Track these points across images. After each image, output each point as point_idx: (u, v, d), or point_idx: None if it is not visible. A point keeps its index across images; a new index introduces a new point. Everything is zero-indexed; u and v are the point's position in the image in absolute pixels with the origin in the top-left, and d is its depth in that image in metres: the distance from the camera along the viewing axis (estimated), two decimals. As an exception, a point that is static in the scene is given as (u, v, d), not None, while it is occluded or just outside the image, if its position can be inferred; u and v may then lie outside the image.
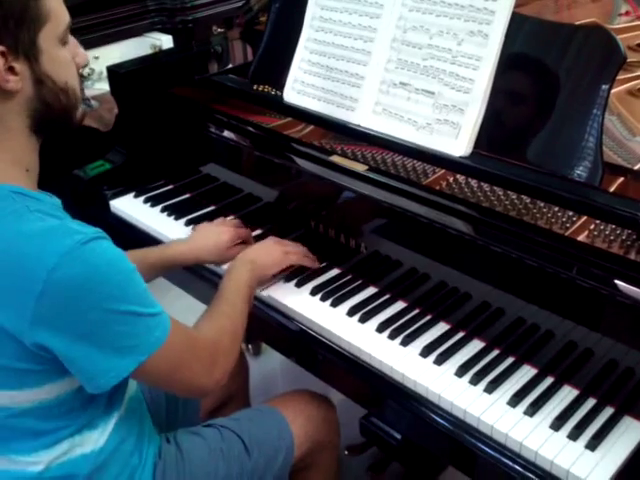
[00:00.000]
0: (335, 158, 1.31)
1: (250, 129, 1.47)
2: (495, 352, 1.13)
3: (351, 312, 1.23)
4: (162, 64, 1.80)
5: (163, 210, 1.59)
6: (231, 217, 1.54)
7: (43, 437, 0.98)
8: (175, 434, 1.19)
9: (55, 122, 0.98)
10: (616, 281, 0.97)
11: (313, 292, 1.29)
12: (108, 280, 0.89)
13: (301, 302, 1.27)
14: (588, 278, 0.99)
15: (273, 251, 1.30)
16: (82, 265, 0.86)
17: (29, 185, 0.96)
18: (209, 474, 1.16)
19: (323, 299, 1.27)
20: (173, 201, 1.62)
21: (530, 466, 0.97)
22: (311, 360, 1.30)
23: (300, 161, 1.36)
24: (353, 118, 1.39)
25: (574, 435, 0.98)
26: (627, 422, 1.00)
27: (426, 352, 1.13)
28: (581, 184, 1.13)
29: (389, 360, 1.13)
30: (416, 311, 1.23)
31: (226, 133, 1.51)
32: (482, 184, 1.19)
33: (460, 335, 1.17)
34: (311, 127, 1.44)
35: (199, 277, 1.42)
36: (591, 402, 1.03)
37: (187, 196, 1.65)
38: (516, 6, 1.21)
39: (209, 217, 1.55)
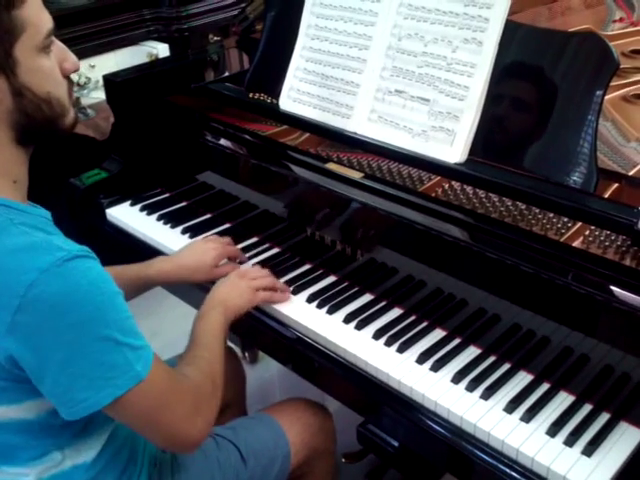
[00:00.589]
0: (331, 166, 1.32)
1: (246, 137, 1.48)
2: (491, 358, 1.13)
3: (347, 319, 1.23)
4: (158, 72, 1.81)
5: (159, 218, 1.59)
6: (227, 225, 1.54)
7: (29, 450, 0.97)
8: None
9: (40, 132, 0.95)
10: (611, 287, 0.98)
11: (309, 299, 1.29)
12: (88, 300, 0.85)
13: (297, 309, 1.27)
14: (583, 284, 0.99)
15: (242, 289, 1.23)
16: (61, 283, 0.84)
17: (17, 197, 0.94)
18: None
19: (319, 306, 1.27)
20: (169, 209, 1.63)
21: (527, 472, 0.97)
22: (308, 368, 1.30)
23: (296, 169, 1.37)
24: (349, 126, 1.39)
25: (570, 441, 0.98)
26: (623, 428, 1.00)
27: (422, 359, 1.13)
28: (576, 190, 1.14)
29: (385, 367, 1.13)
30: (412, 318, 1.23)
31: (222, 141, 1.51)
32: (477, 191, 1.20)
33: (456, 342, 1.17)
34: (307, 135, 1.44)
35: (196, 285, 1.42)
36: (587, 408, 1.03)
37: (183, 204, 1.65)
38: (510, 13, 1.22)
39: (205, 225, 1.55)
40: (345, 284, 1.33)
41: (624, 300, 0.96)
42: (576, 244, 1.04)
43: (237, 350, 1.74)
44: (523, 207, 1.14)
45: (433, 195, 1.20)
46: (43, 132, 0.96)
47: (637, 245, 1.01)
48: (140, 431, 0.97)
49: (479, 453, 1.01)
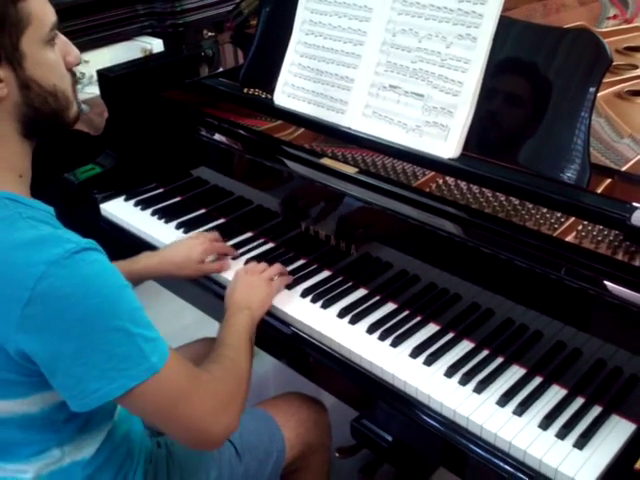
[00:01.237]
0: (325, 161, 1.32)
1: (241, 132, 1.48)
2: (484, 352, 1.14)
3: (342, 314, 1.24)
4: (152, 68, 1.80)
5: (154, 213, 1.59)
6: (221, 220, 1.55)
7: (29, 446, 0.96)
8: (166, 438, 1.18)
9: (46, 125, 0.96)
10: (604, 281, 0.98)
11: (304, 294, 1.29)
12: (97, 292, 0.85)
13: (292, 304, 1.28)
14: (576, 278, 1.00)
15: (257, 285, 1.24)
16: (70, 275, 0.84)
17: (22, 191, 0.94)
18: (200, 479, 1.15)
19: (314, 301, 1.28)
20: (164, 204, 1.62)
21: (519, 465, 0.98)
22: (302, 362, 1.30)
23: (290, 164, 1.37)
24: (343, 121, 1.39)
25: (562, 434, 0.98)
26: (615, 421, 1.01)
27: (416, 353, 1.14)
28: (569, 185, 1.14)
29: (379, 361, 1.13)
30: (406, 312, 1.23)
31: (217, 136, 1.51)
32: (471, 186, 1.20)
33: (450, 336, 1.17)
34: (301, 130, 1.44)
35: (189, 280, 1.42)
36: (579, 401, 1.04)
37: (178, 199, 1.65)
38: (505, 10, 1.22)
39: (200, 220, 1.55)
40: (339, 279, 1.33)
41: (616, 294, 0.97)
42: (569, 239, 1.05)
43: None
44: (517, 202, 1.15)
45: (427, 190, 1.21)
46: (48, 125, 0.96)
47: (629, 240, 1.02)
48: (159, 424, 0.96)
49: (472, 446, 1.02)
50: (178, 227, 1.53)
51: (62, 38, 0.96)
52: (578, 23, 1.72)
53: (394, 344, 1.16)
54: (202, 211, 1.59)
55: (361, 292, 1.29)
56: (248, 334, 1.14)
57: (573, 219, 1.09)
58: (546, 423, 1.00)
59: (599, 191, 1.14)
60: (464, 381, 1.08)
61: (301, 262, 1.39)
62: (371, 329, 1.20)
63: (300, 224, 1.39)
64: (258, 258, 1.40)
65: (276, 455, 1.23)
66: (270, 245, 1.46)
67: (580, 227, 1.07)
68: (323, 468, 1.38)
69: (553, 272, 1.02)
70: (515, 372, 1.10)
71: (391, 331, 1.19)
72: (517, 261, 1.05)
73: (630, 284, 0.96)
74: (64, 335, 0.84)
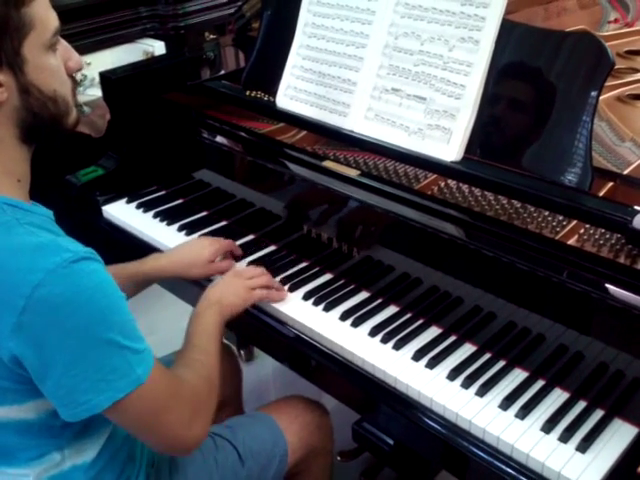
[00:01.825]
0: (328, 163, 1.32)
1: (243, 135, 1.48)
2: (486, 355, 1.14)
3: (344, 316, 1.24)
4: (154, 70, 1.80)
5: (156, 216, 1.59)
6: (223, 222, 1.55)
7: (28, 450, 0.96)
8: None
9: (45, 131, 0.95)
10: (606, 285, 0.98)
11: (306, 297, 1.29)
12: (92, 303, 0.85)
13: (294, 307, 1.28)
14: (578, 282, 1.00)
15: (237, 288, 1.23)
16: (67, 284, 0.84)
17: (21, 196, 0.94)
18: None
19: (316, 304, 1.28)
20: (166, 207, 1.63)
21: (522, 469, 0.97)
22: (304, 365, 1.30)
23: (293, 166, 1.37)
24: (345, 124, 1.40)
25: (565, 437, 0.98)
26: (617, 424, 1.01)
27: (418, 356, 1.14)
28: (571, 189, 1.14)
29: (381, 364, 1.13)
30: (408, 315, 1.23)
31: (219, 139, 1.51)
32: (473, 189, 1.20)
33: (452, 339, 1.17)
34: (304, 133, 1.44)
35: (192, 283, 1.42)
36: (581, 405, 1.04)
37: (180, 202, 1.65)
38: (506, 13, 1.22)
39: (202, 222, 1.55)
40: (341, 282, 1.33)
41: (618, 297, 0.97)
42: (571, 242, 1.05)
43: (233, 348, 1.74)
44: (518, 205, 1.15)
45: (429, 193, 1.21)
46: (47, 130, 0.95)
47: (631, 243, 1.02)
48: (139, 435, 0.97)
49: (475, 450, 1.02)
50: (180, 229, 1.54)
51: (64, 43, 0.96)
52: (579, 27, 1.72)
53: (396, 347, 1.17)
54: (204, 214, 1.59)
55: (363, 295, 1.29)
56: (217, 332, 1.14)
57: (575, 222, 1.09)
58: (549, 426, 1.00)
59: (601, 194, 1.14)
60: (466, 384, 1.08)
61: (303, 265, 1.39)
62: (373, 332, 1.20)
63: (302, 227, 1.39)
64: (259, 261, 1.40)
65: (279, 459, 1.23)
66: (272, 248, 1.46)
67: (582, 230, 1.07)
68: (325, 471, 1.37)
69: (555, 275, 1.02)
70: (517, 375, 1.10)
71: (393, 334, 1.19)
72: (519, 264, 1.06)
73: (632, 287, 0.96)
74: (57, 344, 0.84)
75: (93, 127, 1.98)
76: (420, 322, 1.22)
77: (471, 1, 1.23)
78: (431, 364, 1.12)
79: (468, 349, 1.15)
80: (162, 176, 1.70)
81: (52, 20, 0.92)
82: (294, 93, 1.49)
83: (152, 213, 1.60)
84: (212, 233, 1.50)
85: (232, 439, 1.21)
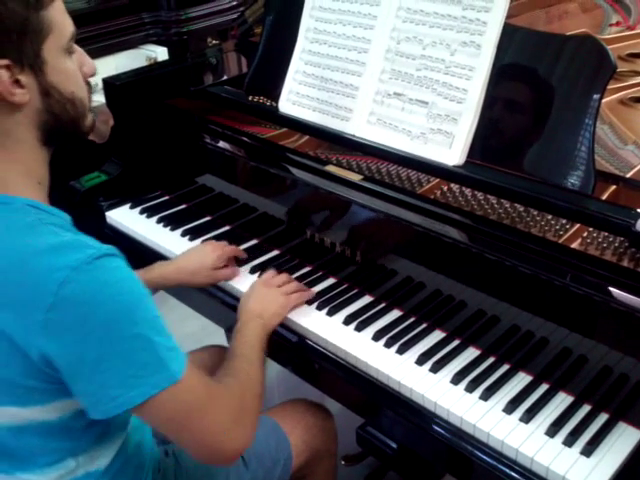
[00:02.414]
0: (330, 168, 1.32)
1: (245, 140, 1.48)
2: (490, 359, 1.14)
3: (347, 321, 1.24)
4: (157, 76, 1.81)
5: (159, 221, 1.60)
6: (226, 227, 1.55)
7: (45, 455, 0.96)
8: (174, 447, 1.18)
9: (64, 132, 0.97)
10: (609, 288, 0.98)
11: (309, 301, 1.29)
12: (117, 298, 0.86)
13: (297, 311, 1.28)
14: (581, 285, 1.00)
15: (275, 298, 1.24)
16: (92, 280, 0.84)
17: (41, 198, 0.95)
18: None
19: (319, 308, 1.28)
20: (169, 212, 1.63)
21: (526, 473, 0.97)
22: (307, 369, 1.30)
23: (295, 171, 1.37)
24: (348, 128, 1.40)
25: (569, 441, 0.98)
26: (622, 428, 1.01)
27: (422, 360, 1.14)
28: (574, 192, 1.14)
29: (385, 368, 1.13)
30: (412, 319, 1.23)
31: (222, 144, 1.52)
32: (476, 193, 1.20)
33: (456, 343, 1.17)
34: (306, 137, 1.45)
35: (197, 289, 1.43)
36: (586, 408, 1.04)
37: (183, 207, 1.65)
38: (508, 17, 1.22)
39: (205, 227, 1.55)
40: (345, 286, 1.33)
41: (622, 301, 0.97)
42: (574, 245, 1.05)
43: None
44: (521, 209, 1.15)
45: (432, 197, 1.21)
46: (66, 132, 0.97)
47: (635, 246, 1.02)
48: (174, 437, 0.95)
49: (479, 454, 1.02)
50: (183, 234, 1.54)
51: (78, 49, 0.98)
52: (581, 30, 1.72)
53: (400, 351, 1.17)
54: (207, 218, 1.60)
55: (367, 299, 1.30)
56: (261, 345, 1.14)
57: (578, 226, 1.09)
58: (553, 430, 1.00)
59: (604, 198, 1.14)
60: (470, 388, 1.08)
61: (306, 269, 1.39)
62: (377, 336, 1.20)
63: (305, 231, 1.39)
64: (263, 266, 1.41)
65: (283, 462, 1.23)
66: (275, 252, 1.46)
67: (585, 234, 1.07)
68: (329, 474, 1.37)
69: (558, 279, 1.02)
70: (521, 379, 1.10)
71: (397, 338, 1.19)
72: (522, 268, 1.05)
73: (636, 291, 0.96)
74: (86, 340, 0.85)
75: (96, 133, 1.99)
76: (424, 326, 1.22)
77: (473, 5, 1.23)
78: (435, 368, 1.12)
79: (472, 353, 1.15)
80: (165, 181, 1.70)
81: (68, 25, 0.94)
82: (296, 98, 1.49)
83: (156, 218, 1.61)
84: (215, 238, 1.50)
85: None
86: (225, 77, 1.83)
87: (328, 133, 1.42)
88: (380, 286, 1.29)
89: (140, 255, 1.48)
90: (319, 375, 1.27)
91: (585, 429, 1.00)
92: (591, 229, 1.08)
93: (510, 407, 1.04)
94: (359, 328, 1.22)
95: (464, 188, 1.22)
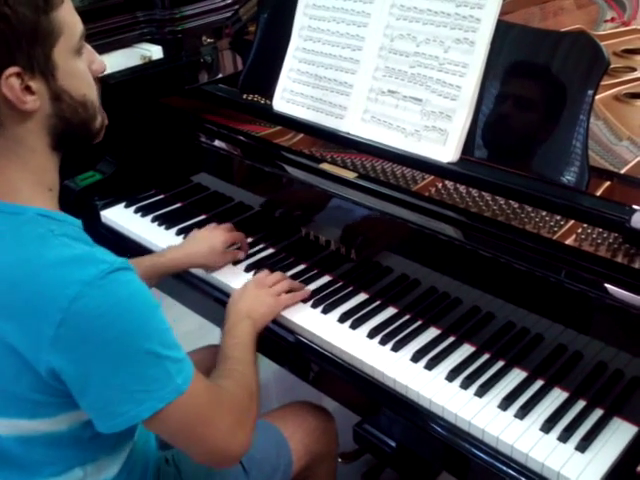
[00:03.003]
0: (325, 166, 1.32)
1: (240, 138, 1.48)
2: (485, 356, 1.14)
3: (342, 319, 1.24)
4: (152, 74, 1.81)
5: (154, 220, 1.59)
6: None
7: (53, 465, 0.95)
8: (174, 454, 1.17)
9: (75, 136, 0.94)
10: (604, 284, 0.98)
11: (304, 299, 1.29)
12: (130, 314, 0.85)
13: (292, 310, 1.27)
14: (576, 281, 1.00)
15: (264, 299, 1.24)
16: (104, 296, 0.83)
17: (52, 205, 0.93)
18: None
19: (314, 306, 1.28)
20: (164, 211, 1.63)
21: (521, 469, 0.97)
22: (304, 368, 1.30)
23: (290, 169, 1.37)
24: (342, 126, 1.40)
25: (564, 437, 0.98)
26: (616, 423, 1.01)
27: (417, 357, 1.14)
28: (568, 188, 1.14)
29: (380, 366, 1.13)
30: (407, 317, 1.23)
31: (216, 142, 1.51)
32: (470, 190, 1.20)
33: (450, 340, 1.17)
34: (301, 135, 1.44)
35: (191, 286, 1.43)
36: (581, 404, 1.04)
37: (178, 205, 1.65)
38: (503, 14, 1.22)
39: (200, 226, 1.54)
40: (340, 284, 1.33)
41: (616, 297, 0.97)
42: (569, 242, 1.05)
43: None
44: (516, 206, 1.15)
45: (426, 194, 1.21)
46: (77, 136, 0.95)
47: (629, 242, 1.02)
48: (181, 445, 0.95)
49: (474, 450, 1.02)
50: (178, 233, 1.54)
51: (88, 47, 0.95)
52: (576, 26, 1.72)
53: (395, 348, 1.16)
54: (202, 217, 1.59)
55: (362, 297, 1.30)
56: (252, 345, 1.14)
57: (572, 222, 1.09)
58: (548, 426, 1.00)
59: (598, 194, 1.14)
60: (465, 385, 1.08)
61: (301, 267, 1.39)
62: (372, 334, 1.20)
63: (300, 229, 1.39)
64: (259, 263, 1.41)
65: (283, 469, 1.22)
66: (270, 250, 1.46)
67: (580, 230, 1.07)
68: (330, 476, 1.37)
69: (553, 275, 1.02)
70: (516, 375, 1.10)
71: (392, 335, 1.19)
72: (517, 264, 1.06)
73: (630, 286, 0.96)
74: (96, 356, 0.84)
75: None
76: (419, 323, 1.22)
77: (466, 2, 1.23)
78: (430, 365, 1.12)
79: (467, 350, 1.15)
80: (160, 180, 1.70)
81: (78, 24, 0.91)
82: (291, 96, 1.49)
83: (150, 217, 1.60)
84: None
85: None
86: (220, 75, 1.82)
87: (322, 131, 1.42)
88: (375, 283, 1.29)
89: (135, 254, 1.47)
90: (315, 374, 1.26)
91: (580, 425, 1.00)
92: (586, 225, 1.08)
93: (505, 403, 1.04)
94: (354, 326, 1.22)
95: (459, 185, 1.22)
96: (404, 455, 1.42)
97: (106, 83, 1.70)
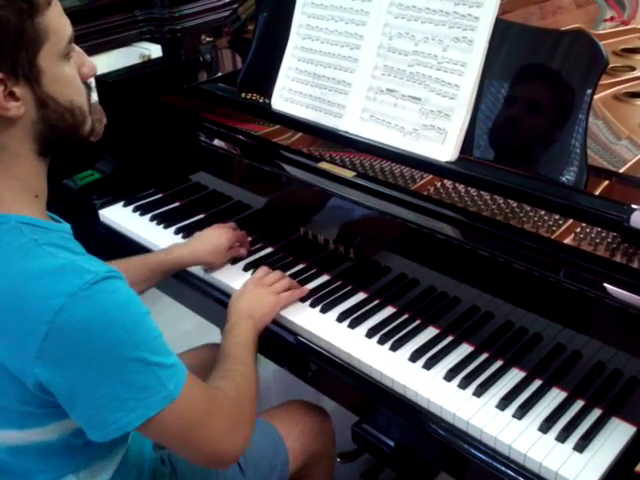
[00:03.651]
0: (323, 165, 1.32)
1: (239, 137, 1.48)
2: (484, 356, 1.13)
3: (341, 318, 1.23)
4: (151, 73, 1.80)
5: (152, 219, 1.59)
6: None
7: (45, 473, 0.95)
8: (170, 453, 1.16)
9: (62, 142, 0.92)
10: (602, 284, 0.98)
11: (303, 298, 1.29)
12: (116, 324, 0.83)
13: (291, 308, 1.27)
14: (574, 281, 1.00)
15: (264, 298, 1.23)
16: (89, 307, 0.81)
17: (38, 212, 0.91)
18: None
19: (313, 305, 1.27)
20: (162, 210, 1.62)
21: (520, 469, 0.97)
22: (302, 368, 1.30)
23: (289, 168, 1.37)
24: (341, 125, 1.39)
25: (562, 437, 0.98)
26: (614, 423, 1.00)
27: (415, 357, 1.14)
28: (567, 188, 1.14)
29: (379, 365, 1.13)
30: (405, 316, 1.23)
31: (215, 141, 1.51)
32: (469, 189, 1.20)
33: (449, 339, 1.17)
34: (299, 134, 1.44)
35: (190, 286, 1.42)
36: (579, 404, 1.04)
37: (176, 204, 1.65)
38: (502, 13, 1.22)
39: (198, 225, 1.55)
40: (338, 283, 1.33)
41: (615, 296, 0.97)
42: (567, 241, 1.05)
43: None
44: (514, 205, 1.14)
45: (425, 193, 1.20)
46: (64, 142, 0.92)
47: (628, 242, 1.02)
48: (178, 449, 0.95)
49: (473, 450, 1.01)
50: (177, 232, 1.53)
51: (77, 50, 0.92)
52: (575, 25, 1.72)
53: (393, 348, 1.16)
54: (201, 216, 1.59)
55: (360, 296, 1.29)
56: (253, 345, 1.14)
57: (571, 221, 1.09)
58: (546, 426, 1.00)
59: (597, 193, 1.14)
60: (464, 385, 1.08)
61: (300, 266, 1.39)
62: (370, 333, 1.19)
63: (299, 228, 1.39)
64: (257, 263, 1.40)
65: (280, 468, 1.22)
66: (269, 250, 1.46)
67: (578, 229, 1.07)
68: (327, 476, 1.37)
69: (551, 274, 1.02)
70: (515, 375, 1.10)
71: (390, 335, 1.19)
72: (515, 264, 1.05)
73: (629, 286, 0.96)
74: (83, 367, 0.82)
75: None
76: (417, 323, 1.21)
77: (464, 1, 1.23)
78: (428, 365, 1.12)
79: (465, 349, 1.15)
80: (159, 179, 1.69)
81: (66, 27, 0.88)
82: (289, 95, 1.49)
83: (149, 216, 1.60)
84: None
85: None
86: (219, 74, 1.82)
87: (321, 130, 1.41)
88: (374, 283, 1.29)
89: (133, 253, 1.47)
90: (313, 373, 1.26)
91: (578, 425, 1.00)
92: (584, 224, 1.08)
93: (503, 403, 1.04)
94: (353, 325, 1.22)
95: (457, 184, 1.21)
96: (402, 455, 1.42)
97: (105, 82, 1.70)
